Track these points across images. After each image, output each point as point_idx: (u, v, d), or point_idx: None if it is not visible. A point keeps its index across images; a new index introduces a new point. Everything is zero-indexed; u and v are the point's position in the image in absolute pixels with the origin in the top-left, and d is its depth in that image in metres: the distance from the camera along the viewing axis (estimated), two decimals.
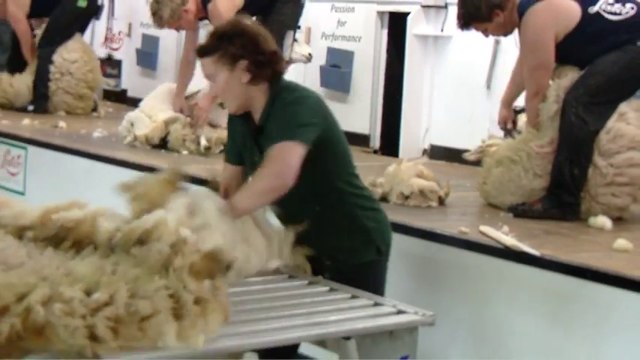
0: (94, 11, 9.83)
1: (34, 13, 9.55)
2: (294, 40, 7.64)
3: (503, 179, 5.49)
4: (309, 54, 7.94)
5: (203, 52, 3.74)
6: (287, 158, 3.52)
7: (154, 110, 7.39)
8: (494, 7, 5.45)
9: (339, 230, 3.79)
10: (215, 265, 2.88)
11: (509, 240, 4.55)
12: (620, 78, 5.35)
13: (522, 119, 5.87)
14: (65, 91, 9.37)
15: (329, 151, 3.70)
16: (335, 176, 3.75)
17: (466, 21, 5.57)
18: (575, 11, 5.39)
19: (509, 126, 5.92)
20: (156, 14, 7.16)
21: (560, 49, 5.40)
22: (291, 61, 7.44)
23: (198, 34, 7.38)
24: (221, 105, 6.92)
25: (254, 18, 7.51)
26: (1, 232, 3.25)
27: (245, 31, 3.71)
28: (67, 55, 9.35)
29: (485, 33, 5.66)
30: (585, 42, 5.37)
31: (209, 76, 3.75)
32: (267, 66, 3.69)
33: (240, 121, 3.84)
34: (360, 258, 3.81)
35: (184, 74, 7.53)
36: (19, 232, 3.21)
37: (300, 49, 7.80)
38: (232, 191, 3.78)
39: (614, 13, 5.36)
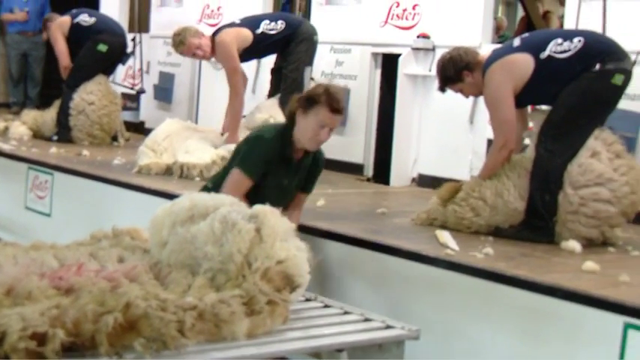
0: (117, 56, 9.78)
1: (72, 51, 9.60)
2: (312, 78, 7.81)
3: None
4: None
5: None
6: None
7: (156, 145, 7.46)
8: (462, 69, 5.57)
9: None
10: (285, 282, 3.01)
11: (450, 241, 4.87)
12: (581, 105, 5.32)
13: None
14: (79, 129, 9.38)
15: None
16: None
17: (441, 84, 5.72)
18: (528, 61, 5.39)
19: None
20: (175, 43, 7.65)
21: (526, 95, 5.44)
22: None
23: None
24: None
25: (275, 56, 7.79)
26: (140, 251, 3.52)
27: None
28: (85, 96, 9.36)
29: (463, 93, 5.75)
30: (545, 84, 5.39)
31: None
32: None
33: None
34: None
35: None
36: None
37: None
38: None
39: (564, 51, 5.34)
